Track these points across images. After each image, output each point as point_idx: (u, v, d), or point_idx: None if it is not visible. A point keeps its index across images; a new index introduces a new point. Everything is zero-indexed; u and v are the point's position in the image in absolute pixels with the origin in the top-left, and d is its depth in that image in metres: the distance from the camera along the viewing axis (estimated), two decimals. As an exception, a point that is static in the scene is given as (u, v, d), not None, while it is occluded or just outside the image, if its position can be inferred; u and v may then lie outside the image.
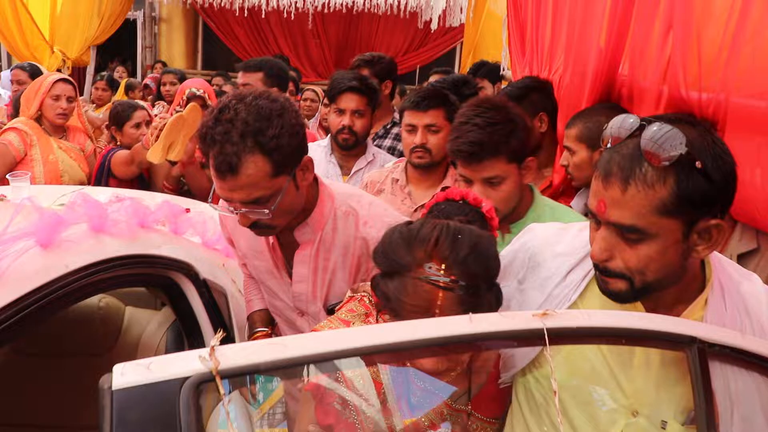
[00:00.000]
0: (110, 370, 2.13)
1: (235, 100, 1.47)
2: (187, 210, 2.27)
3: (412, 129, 2.44)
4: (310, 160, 1.61)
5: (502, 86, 4.72)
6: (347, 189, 1.84)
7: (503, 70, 4.49)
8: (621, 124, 1.14)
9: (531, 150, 1.95)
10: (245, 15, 10.26)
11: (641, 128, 1.11)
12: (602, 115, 2.13)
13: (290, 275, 1.77)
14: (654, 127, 1.08)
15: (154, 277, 1.80)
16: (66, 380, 2.11)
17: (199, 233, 2.21)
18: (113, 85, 6.80)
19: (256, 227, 1.58)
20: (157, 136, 2.77)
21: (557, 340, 1.05)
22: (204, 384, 0.85)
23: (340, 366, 0.97)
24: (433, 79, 5.13)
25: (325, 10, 9.81)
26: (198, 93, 3.74)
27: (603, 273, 1.17)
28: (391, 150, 3.34)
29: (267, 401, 1.01)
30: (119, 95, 7.04)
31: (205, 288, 1.96)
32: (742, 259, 1.63)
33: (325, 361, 0.89)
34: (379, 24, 11.14)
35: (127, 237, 1.60)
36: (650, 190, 1.10)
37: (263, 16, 10.06)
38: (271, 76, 3.24)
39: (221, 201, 1.57)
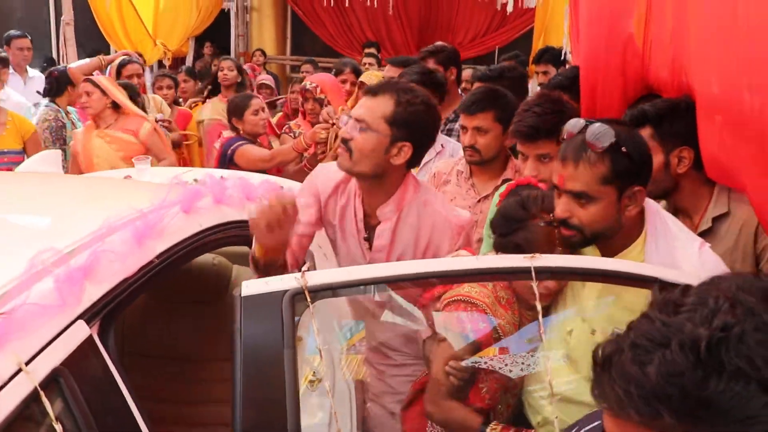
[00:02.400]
0: (223, 315, 2.66)
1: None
2: (281, 188, 2.77)
3: (465, 129, 2.76)
4: (409, 151, 2.04)
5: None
6: (426, 184, 2.31)
7: (565, 55, 4.79)
8: (574, 124, 1.68)
9: None
10: (331, 3, 10.74)
11: (586, 127, 1.63)
12: None
13: (368, 242, 2.19)
14: (594, 127, 1.61)
15: (257, 239, 2.31)
16: (188, 321, 2.67)
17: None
18: (195, 76, 7.06)
19: (344, 144, 2.04)
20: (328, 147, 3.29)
21: (543, 277, 1.48)
22: (298, 295, 1.34)
23: (387, 288, 1.44)
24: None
25: (406, -4, 10.16)
26: (309, 86, 4.24)
27: (564, 227, 1.69)
28: None
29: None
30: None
31: (296, 249, 2.45)
32: (715, 222, 2.02)
33: (375, 283, 1.37)
34: (458, 7, 11.37)
35: (239, 207, 2.11)
36: (594, 167, 1.62)
37: (347, 4, 10.51)
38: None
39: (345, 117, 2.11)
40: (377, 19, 11.56)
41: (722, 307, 0.71)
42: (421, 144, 2.11)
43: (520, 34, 11.01)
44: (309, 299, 1.33)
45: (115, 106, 4.35)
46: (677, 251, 1.70)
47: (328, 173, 2.25)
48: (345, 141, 2.05)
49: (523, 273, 1.46)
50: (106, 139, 4.25)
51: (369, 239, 2.20)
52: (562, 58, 4.92)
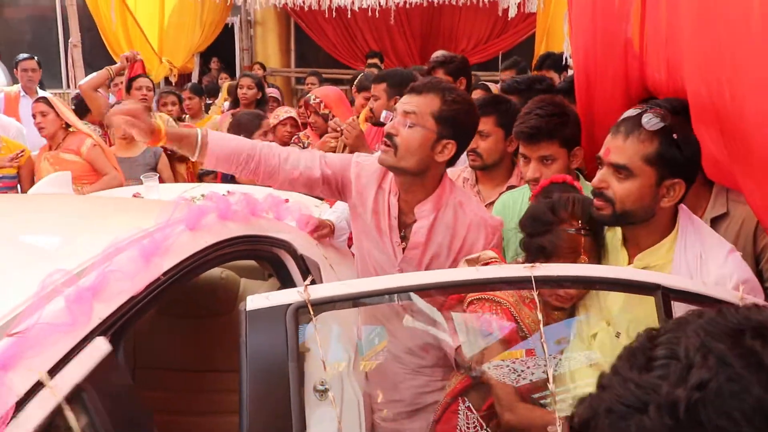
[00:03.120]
0: (232, 327, 2.71)
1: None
2: (286, 200, 2.81)
3: None
4: (453, 148, 2.10)
5: (569, 74, 5.04)
6: (459, 186, 2.38)
7: (566, 60, 4.82)
8: (632, 110, 1.74)
9: (579, 141, 2.45)
10: (333, 15, 10.81)
11: (642, 112, 1.70)
12: None
13: (402, 239, 2.22)
14: (652, 111, 1.68)
15: (263, 253, 2.32)
16: (198, 334, 2.71)
17: (296, 219, 2.74)
18: (199, 92, 7.05)
19: (389, 139, 2.08)
20: None
21: (543, 285, 1.51)
22: (301, 309, 1.37)
23: (385, 299, 1.48)
24: (504, 75, 5.49)
25: (407, 6, 10.20)
26: (312, 101, 4.29)
27: (598, 197, 1.75)
28: None
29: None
30: (221, 100, 7.67)
31: (302, 261, 2.48)
32: (714, 222, 2.04)
33: (375, 296, 1.41)
34: (460, 14, 11.43)
35: (244, 222, 2.14)
36: (641, 144, 1.67)
37: (349, 15, 10.57)
38: (393, 86, 3.65)
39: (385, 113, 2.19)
40: (380, 29, 11.65)
41: (695, 360, 0.68)
42: (464, 142, 2.18)
43: (522, 39, 11.08)
44: (312, 312, 1.36)
45: (68, 125, 4.35)
46: (706, 254, 1.73)
47: (372, 164, 2.27)
48: (390, 136, 2.09)
49: (524, 283, 1.49)
50: (51, 160, 4.25)
51: (403, 237, 2.23)
52: (564, 63, 4.95)
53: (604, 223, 1.83)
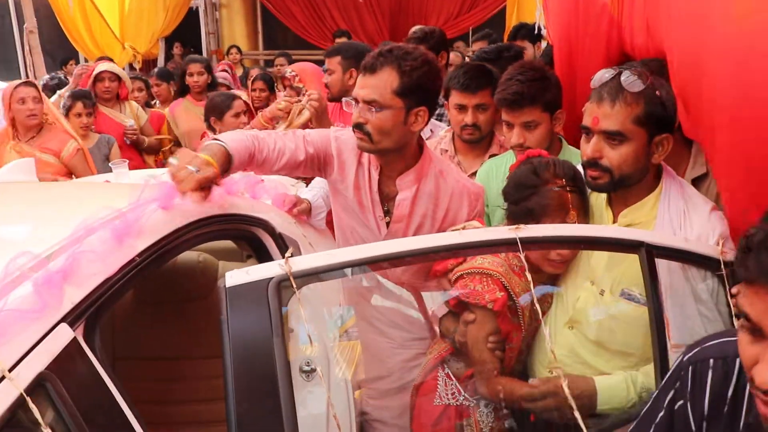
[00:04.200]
0: (210, 312, 2.64)
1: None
2: (262, 180, 2.75)
3: (462, 108, 2.74)
4: (426, 114, 2.04)
5: (542, 44, 5.01)
6: (438, 155, 2.35)
7: (539, 29, 4.77)
8: (603, 72, 1.73)
9: (561, 104, 2.45)
10: (300, -6, 10.65)
11: (619, 73, 1.68)
12: None
13: (385, 214, 2.19)
14: (628, 72, 1.68)
15: (240, 232, 2.26)
16: (178, 320, 2.65)
17: (272, 197, 2.68)
18: (167, 77, 6.70)
19: (359, 129, 2.02)
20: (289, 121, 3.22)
21: (528, 247, 1.48)
22: (283, 282, 1.32)
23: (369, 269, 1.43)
24: (477, 47, 5.43)
25: (375, -18, 10.07)
26: (288, 74, 4.33)
27: (593, 168, 1.73)
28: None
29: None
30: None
31: (280, 240, 2.43)
32: (695, 182, 2.03)
33: (358, 265, 1.36)
34: (430, -11, 11.38)
35: (219, 201, 2.09)
36: (629, 107, 1.66)
37: (316, -7, 10.43)
38: (348, 58, 3.57)
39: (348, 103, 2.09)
40: (348, 8, 11.52)
41: None
42: (433, 104, 2.12)
43: (493, 14, 11.01)
44: (295, 285, 1.31)
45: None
46: (689, 210, 1.74)
47: (350, 139, 2.19)
48: (359, 126, 2.02)
49: (509, 245, 1.46)
50: (20, 153, 3.78)
51: (386, 211, 2.20)
52: (536, 32, 4.91)
53: (601, 191, 1.83)
